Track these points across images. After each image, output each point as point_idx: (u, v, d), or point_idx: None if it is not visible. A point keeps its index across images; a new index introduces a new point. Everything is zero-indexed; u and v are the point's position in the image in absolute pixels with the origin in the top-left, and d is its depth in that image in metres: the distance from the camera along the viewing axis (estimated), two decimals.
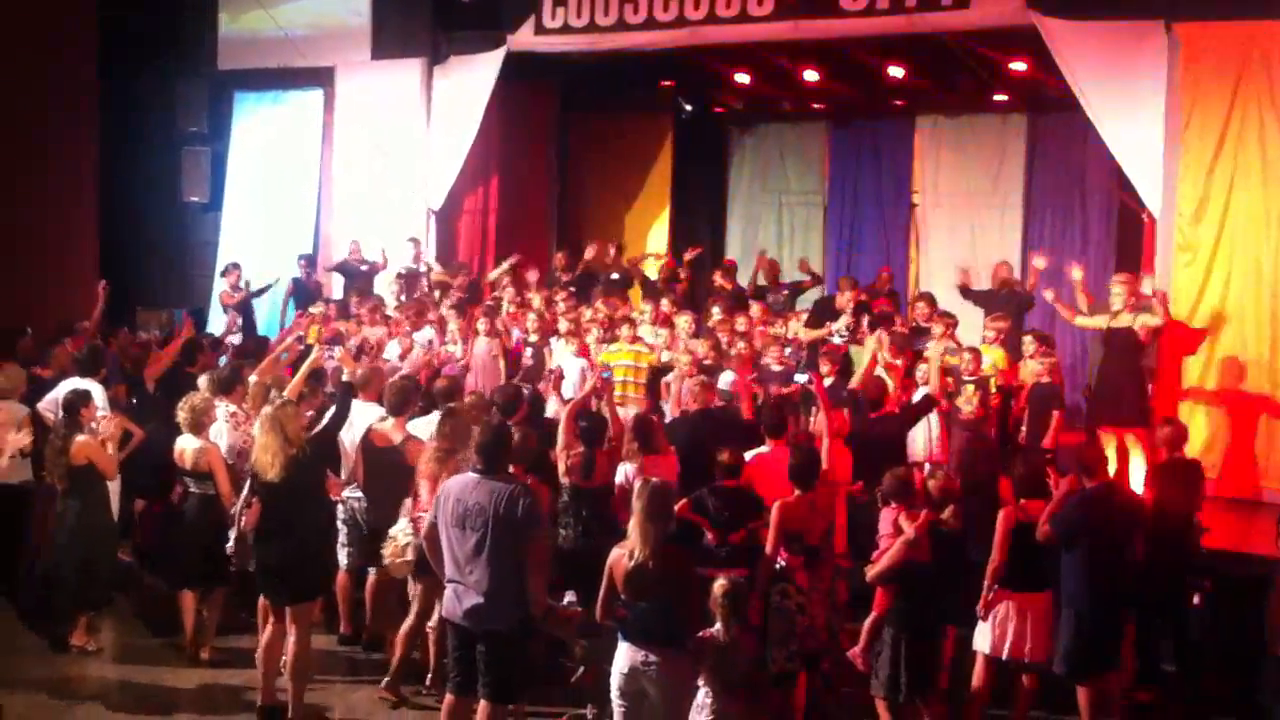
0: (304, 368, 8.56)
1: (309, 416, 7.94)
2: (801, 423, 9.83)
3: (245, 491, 7.68)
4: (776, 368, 10.95)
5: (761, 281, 14.63)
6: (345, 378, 9.35)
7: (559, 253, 15.31)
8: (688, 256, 15.08)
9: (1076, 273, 11.26)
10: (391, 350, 11.81)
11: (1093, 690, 7.14)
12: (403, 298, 13.63)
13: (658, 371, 10.99)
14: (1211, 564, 8.59)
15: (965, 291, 12.71)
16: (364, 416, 8.62)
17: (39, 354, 10.83)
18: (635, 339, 11.39)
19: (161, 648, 8.68)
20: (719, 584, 6.12)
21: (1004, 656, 7.23)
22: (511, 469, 6.80)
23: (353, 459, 8.54)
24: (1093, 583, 7.06)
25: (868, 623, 7.08)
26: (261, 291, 14.74)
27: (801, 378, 10.06)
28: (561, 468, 8.03)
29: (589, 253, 14.81)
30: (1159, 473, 8.36)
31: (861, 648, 7.09)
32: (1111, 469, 9.12)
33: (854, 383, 9.97)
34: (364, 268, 14.67)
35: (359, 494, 8.50)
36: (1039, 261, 12.08)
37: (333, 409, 7.68)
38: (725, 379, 10.10)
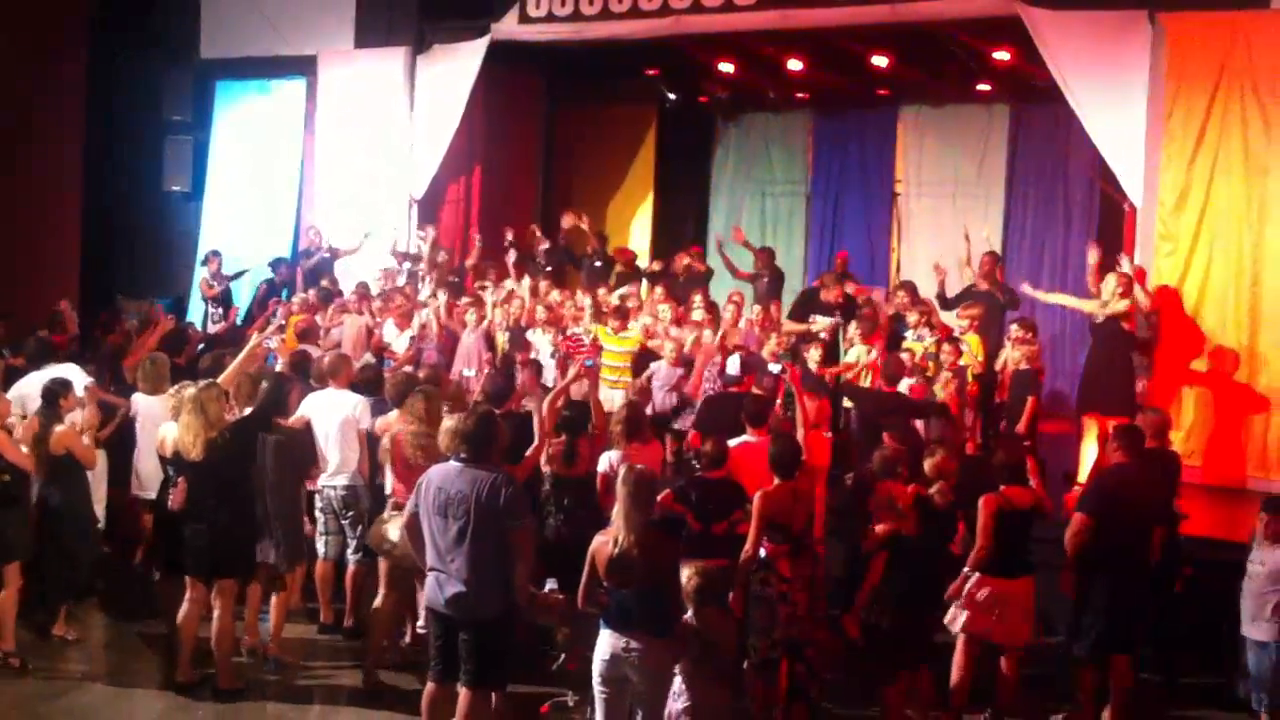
0: (241, 356, 8.55)
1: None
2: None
3: (172, 472, 7.81)
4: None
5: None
6: (279, 367, 9.35)
7: (533, 226, 15.23)
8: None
9: (1093, 255, 11.19)
10: (400, 343, 11.80)
11: (1096, 672, 7.24)
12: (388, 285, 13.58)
13: (644, 358, 11.03)
14: (1193, 550, 8.63)
15: (944, 301, 12.57)
16: (336, 403, 8.65)
17: (14, 342, 10.78)
18: (624, 328, 11.42)
19: (141, 635, 8.69)
20: (686, 574, 6.16)
21: (985, 642, 7.30)
22: None
23: (324, 447, 8.57)
24: (1117, 558, 7.13)
25: (862, 592, 7.22)
26: (237, 276, 14.66)
27: (775, 367, 10.08)
28: (544, 456, 8.02)
29: (566, 222, 14.83)
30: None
31: (854, 616, 7.24)
32: (1094, 457, 9.20)
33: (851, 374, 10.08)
34: (326, 254, 14.62)
35: (336, 482, 8.51)
36: (1027, 289, 11.83)
37: (262, 396, 7.79)
38: (734, 364, 10.10)
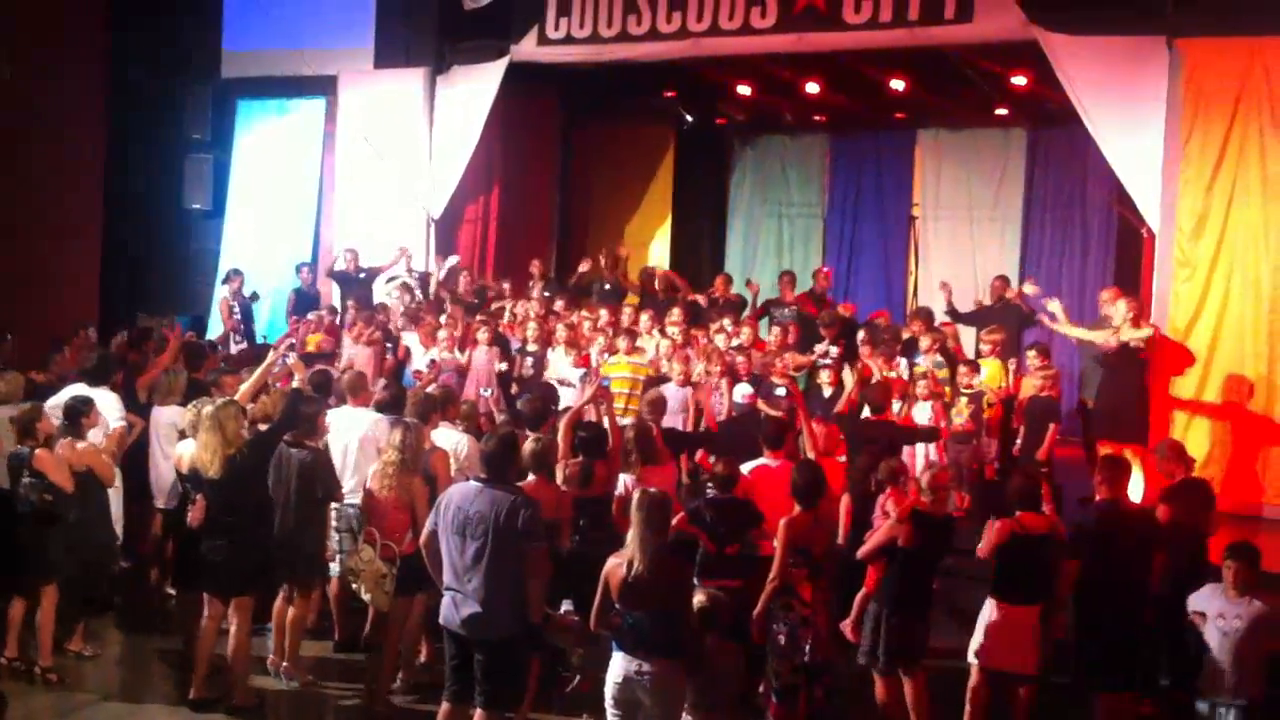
0: (259, 371, 8.58)
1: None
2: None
3: (189, 489, 7.89)
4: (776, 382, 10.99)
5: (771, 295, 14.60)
6: (295, 384, 9.39)
7: (535, 261, 15.27)
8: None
9: (1054, 305, 11.20)
10: (422, 362, 11.83)
11: (1107, 703, 7.18)
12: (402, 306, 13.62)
13: (655, 382, 11.01)
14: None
15: (954, 314, 12.60)
16: (355, 421, 8.67)
17: (39, 358, 10.81)
18: (634, 350, 11.43)
19: (157, 651, 8.72)
20: (695, 600, 6.19)
21: (995, 668, 7.30)
22: (534, 477, 7.19)
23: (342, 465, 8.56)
24: (1111, 593, 7.08)
25: (858, 598, 7.47)
26: (254, 299, 14.73)
27: (780, 391, 10.09)
28: (560, 477, 8.04)
29: (584, 266, 14.85)
30: (1174, 492, 8.12)
31: (852, 620, 7.48)
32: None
33: (840, 405, 10.04)
34: (361, 275, 14.69)
35: (354, 500, 8.51)
36: (1029, 288, 11.97)
37: (279, 414, 7.85)
38: (741, 391, 10.11)
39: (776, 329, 12.45)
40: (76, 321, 12.16)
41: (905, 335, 11.95)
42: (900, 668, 7.28)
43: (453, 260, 14.62)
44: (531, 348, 12.08)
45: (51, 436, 8.07)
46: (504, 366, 11.93)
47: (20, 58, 14.08)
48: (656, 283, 14.68)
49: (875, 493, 7.90)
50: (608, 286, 14.74)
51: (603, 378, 10.15)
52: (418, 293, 14.19)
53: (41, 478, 7.89)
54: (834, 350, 11.56)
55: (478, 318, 12.60)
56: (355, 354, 12.23)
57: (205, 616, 7.70)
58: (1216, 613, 6.75)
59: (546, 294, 14.05)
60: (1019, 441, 10.62)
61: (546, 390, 10.34)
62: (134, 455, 9.33)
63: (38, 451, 7.92)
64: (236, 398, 8.07)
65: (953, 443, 10.04)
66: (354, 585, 7.71)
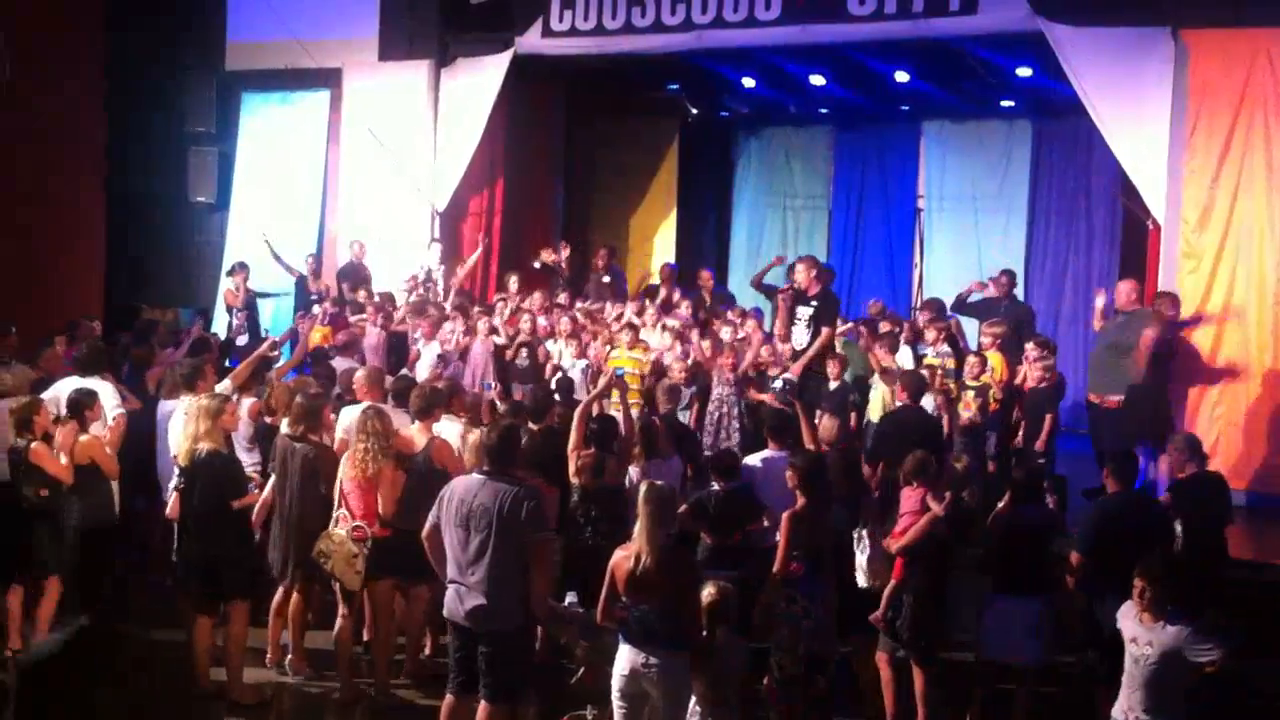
0: (250, 360, 8.56)
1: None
2: None
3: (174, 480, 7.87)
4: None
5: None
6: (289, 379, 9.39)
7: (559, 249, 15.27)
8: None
9: (1099, 299, 11.11)
10: (427, 353, 11.83)
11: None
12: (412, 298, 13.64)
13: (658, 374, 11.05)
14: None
15: (960, 306, 12.53)
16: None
17: (32, 354, 10.81)
18: (636, 343, 11.43)
19: (159, 644, 8.72)
20: (706, 592, 6.18)
21: (996, 659, 7.33)
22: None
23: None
24: (1113, 588, 7.05)
25: (888, 590, 7.31)
26: (264, 296, 14.73)
27: (777, 384, 10.08)
28: (572, 468, 8.04)
29: (547, 256, 14.88)
30: (1184, 486, 8.02)
31: (882, 613, 7.31)
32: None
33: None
34: (367, 272, 14.70)
35: None
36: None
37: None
38: (783, 380, 10.10)
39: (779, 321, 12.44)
40: (71, 319, 12.12)
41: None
42: (918, 657, 7.28)
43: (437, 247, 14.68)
44: (523, 338, 12.08)
45: (49, 431, 8.06)
46: (500, 340, 11.99)
47: (21, 52, 14.04)
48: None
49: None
50: (606, 279, 14.75)
51: (615, 369, 10.15)
52: (435, 290, 14.20)
53: (38, 471, 7.89)
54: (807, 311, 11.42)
55: (476, 309, 12.62)
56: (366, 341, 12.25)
57: (198, 613, 7.72)
58: (1130, 636, 6.00)
59: (560, 283, 14.06)
60: (1020, 434, 10.60)
61: (547, 383, 10.38)
62: (139, 448, 9.34)
63: (34, 445, 7.90)
64: (227, 389, 8.07)
65: (957, 435, 10.03)
66: (325, 566, 7.65)
